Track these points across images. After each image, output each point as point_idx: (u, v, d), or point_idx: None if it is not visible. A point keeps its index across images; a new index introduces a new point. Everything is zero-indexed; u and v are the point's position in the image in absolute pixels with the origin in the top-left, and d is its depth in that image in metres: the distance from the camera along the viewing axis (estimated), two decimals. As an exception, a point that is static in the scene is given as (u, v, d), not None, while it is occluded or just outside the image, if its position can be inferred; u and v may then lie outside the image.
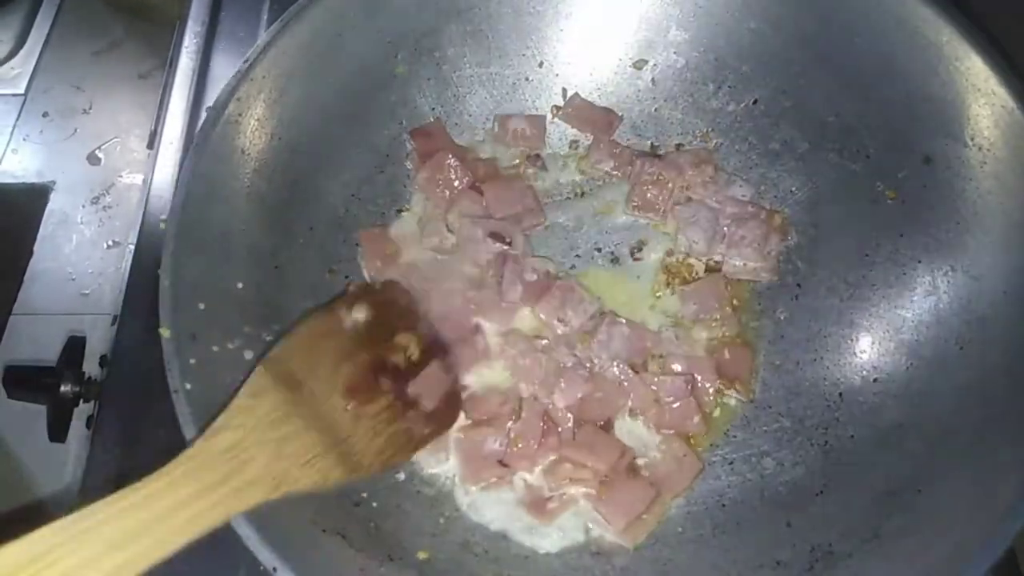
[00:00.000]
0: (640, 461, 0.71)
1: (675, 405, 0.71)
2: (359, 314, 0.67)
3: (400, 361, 0.67)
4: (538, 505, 0.69)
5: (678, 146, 0.84)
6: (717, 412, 0.74)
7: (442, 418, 0.69)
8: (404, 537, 0.65)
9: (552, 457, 0.71)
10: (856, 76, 0.74)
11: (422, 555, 0.64)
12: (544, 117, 0.85)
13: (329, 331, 0.66)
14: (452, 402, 0.70)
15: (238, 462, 0.53)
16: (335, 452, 0.59)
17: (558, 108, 0.85)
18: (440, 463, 0.71)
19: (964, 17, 0.67)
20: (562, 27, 0.83)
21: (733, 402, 0.74)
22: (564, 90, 0.85)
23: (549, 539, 0.68)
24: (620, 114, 0.85)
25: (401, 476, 0.70)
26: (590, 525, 0.68)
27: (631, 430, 0.72)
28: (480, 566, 0.66)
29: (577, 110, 0.85)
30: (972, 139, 0.67)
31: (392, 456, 0.64)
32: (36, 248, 0.91)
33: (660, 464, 0.70)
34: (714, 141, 0.83)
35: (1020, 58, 0.67)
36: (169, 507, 0.50)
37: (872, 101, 0.74)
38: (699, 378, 0.73)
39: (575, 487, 0.70)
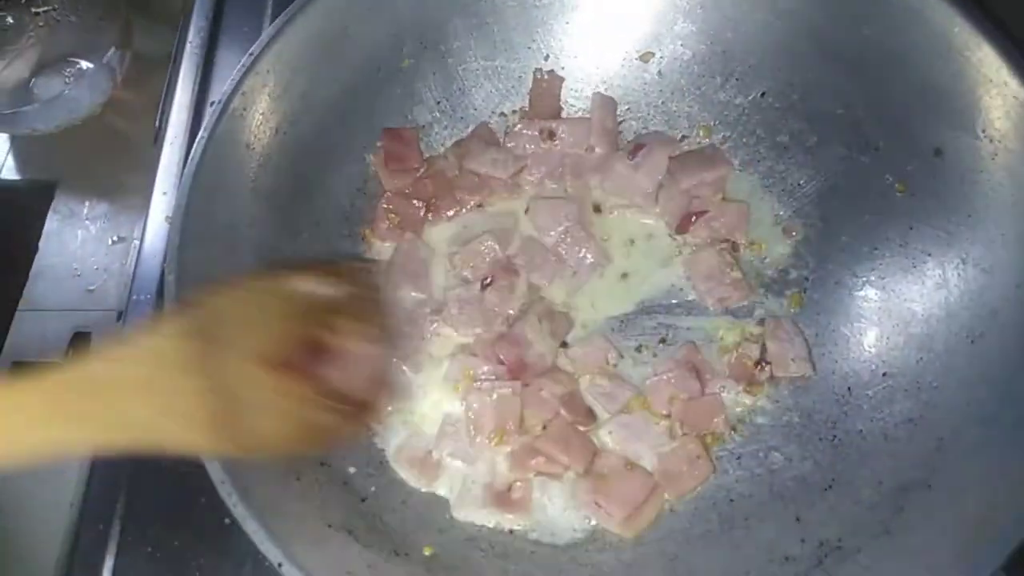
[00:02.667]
0: (652, 459, 0.70)
1: (700, 407, 0.72)
2: (309, 290, 0.61)
3: (334, 347, 0.59)
4: (502, 498, 0.69)
5: (683, 138, 0.83)
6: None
7: (357, 414, 0.62)
8: (410, 533, 0.65)
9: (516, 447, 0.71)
10: (865, 68, 0.73)
11: (428, 551, 0.64)
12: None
13: (270, 293, 0.59)
14: (373, 396, 0.63)
15: (119, 396, 0.48)
16: (229, 424, 0.52)
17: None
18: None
19: (975, 7, 0.66)
20: (568, 20, 0.83)
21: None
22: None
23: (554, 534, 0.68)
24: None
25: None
26: (591, 520, 0.68)
27: (645, 425, 0.72)
28: (486, 561, 0.65)
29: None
30: (983, 131, 0.66)
31: (287, 445, 0.57)
32: (41, 244, 0.91)
33: (670, 462, 0.70)
34: (720, 134, 0.83)
35: (1032, 49, 0.66)
36: (28, 417, 0.45)
37: (881, 93, 0.73)
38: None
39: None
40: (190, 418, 0.51)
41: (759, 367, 0.73)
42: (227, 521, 0.68)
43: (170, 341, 0.52)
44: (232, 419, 0.52)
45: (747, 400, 0.73)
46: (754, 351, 0.74)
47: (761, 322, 0.76)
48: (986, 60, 0.65)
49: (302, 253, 0.74)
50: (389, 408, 0.71)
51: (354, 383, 0.60)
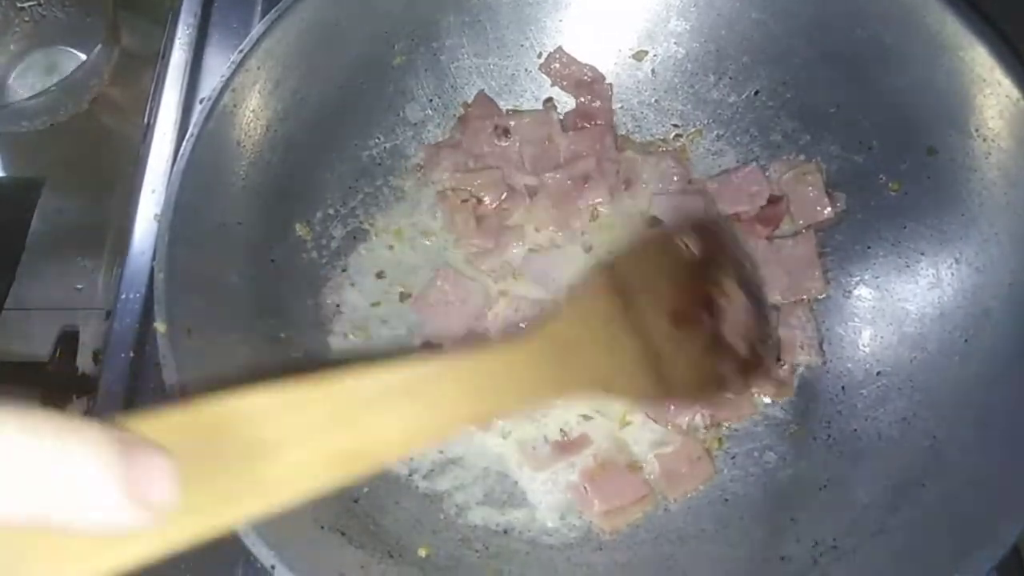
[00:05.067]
0: (650, 456, 0.70)
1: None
2: (693, 245, 0.65)
3: (721, 301, 0.64)
4: (566, 446, 0.70)
5: (676, 136, 0.83)
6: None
7: (753, 368, 0.67)
8: (404, 534, 0.65)
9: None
10: (858, 66, 0.73)
11: (422, 552, 0.64)
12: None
13: (664, 251, 0.64)
14: (766, 352, 0.68)
15: (570, 352, 0.52)
16: (652, 369, 0.58)
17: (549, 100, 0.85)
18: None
19: (968, 6, 0.66)
20: (561, 17, 0.82)
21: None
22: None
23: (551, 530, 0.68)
24: (606, 78, 0.83)
25: (402, 471, 0.70)
26: (586, 519, 0.68)
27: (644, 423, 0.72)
28: (481, 562, 0.65)
29: (562, 65, 0.83)
30: (977, 130, 0.66)
31: (699, 391, 0.63)
32: (28, 242, 0.90)
33: (671, 463, 0.69)
34: (714, 132, 0.83)
35: (1025, 48, 0.66)
36: (499, 381, 0.47)
37: (875, 92, 0.73)
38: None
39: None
40: (625, 365, 0.56)
41: (780, 365, 0.72)
42: (218, 522, 0.68)
43: (594, 299, 0.57)
44: (655, 365, 0.58)
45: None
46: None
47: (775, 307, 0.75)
48: (979, 59, 0.65)
49: (294, 251, 0.74)
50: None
51: (742, 336, 0.64)
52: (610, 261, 0.61)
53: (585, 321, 0.55)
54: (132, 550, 0.30)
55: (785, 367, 0.73)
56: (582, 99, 0.83)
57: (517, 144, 0.81)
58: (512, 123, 0.81)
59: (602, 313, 0.56)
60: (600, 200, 0.79)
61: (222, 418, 0.34)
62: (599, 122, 0.82)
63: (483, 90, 0.83)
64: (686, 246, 0.64)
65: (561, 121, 0.83)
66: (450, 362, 0.45)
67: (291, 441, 0.35)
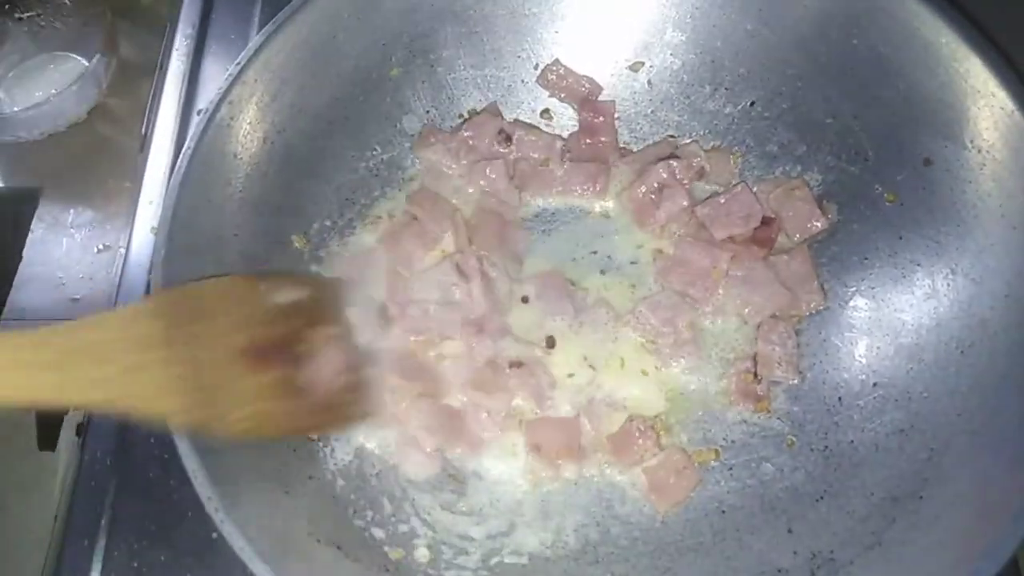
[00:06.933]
0: (638, 468, 0.70)
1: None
2: (280, 298, 0.66)
3: (304, 351, 0.65)
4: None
5: (671, 156, 0.83)
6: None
7: (333, 416, 0.67)
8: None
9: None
10: (854, 78, 0.73)
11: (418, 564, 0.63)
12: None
13: (244, 296, 0.64)
14: (350, 404, 0.68)
15: (94, 358, 0.53)
16: (195, 397, 0.57)
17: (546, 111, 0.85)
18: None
19: (963, 18, 0.66)
20: (557, 29, 0.83)
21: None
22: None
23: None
24: (603, 89, 0.84)
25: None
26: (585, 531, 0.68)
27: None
28: (478, 575, 0.65)
29: (559, 77, 0.83)
30: (972, 141, 0.67)
31: (253, 429, 0.61)
32: (25, 253, 0.90)
33: (657, 475, 0.69)
34: (711, 143, 0.83)
35: (1020, 60, 0.66)
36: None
37: (870, 103, 0.73)
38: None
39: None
40: (161, 386, 0.56)
41: (758, 381, 0.72)
42: (214, 536, 0.68)
43: (140, 315, 0.57)
44: (199, 394, 0.57)
45: (744, 414, 0.73)
46: (748, 363, 0.73)
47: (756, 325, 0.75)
48: (974, 71, 0.66)
49: (290, 263, 0.74)
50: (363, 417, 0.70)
51: (324, 384, 0.65)
52: (179, 290, 0.61)
53: (122, 335, 0.55)
54: None
55: (762, 382, 0.73)
56: (585, 115, 0.83)
57: (512, 156, 0.82)
58: (518, 133, 0.82)
59: (148, 332, 0.56)
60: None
61: None
62: (603, 139, 0.82)
63: (494, 101, 0.84)
64: (273, 298, 0.65)
65: (564, 141, 0.83)
66: None
67: None
